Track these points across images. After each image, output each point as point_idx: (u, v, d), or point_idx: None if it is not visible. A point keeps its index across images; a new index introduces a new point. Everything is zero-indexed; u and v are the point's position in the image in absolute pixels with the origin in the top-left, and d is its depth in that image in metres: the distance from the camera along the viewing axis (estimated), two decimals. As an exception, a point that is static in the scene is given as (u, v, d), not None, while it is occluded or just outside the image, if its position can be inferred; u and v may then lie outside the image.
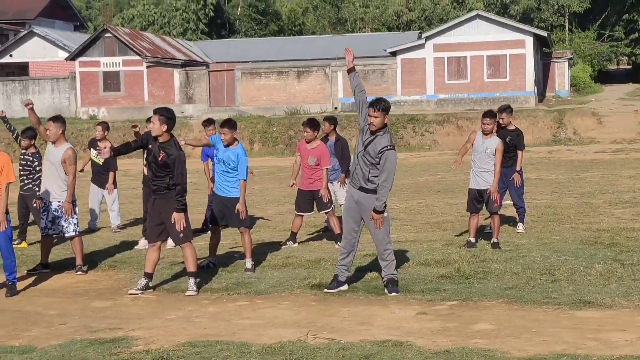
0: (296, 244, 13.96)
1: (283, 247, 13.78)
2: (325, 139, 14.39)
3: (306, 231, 15.38)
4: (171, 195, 10.29)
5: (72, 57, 52.59)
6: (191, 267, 10.54)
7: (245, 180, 11.68)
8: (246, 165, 11.70)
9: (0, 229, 10.61)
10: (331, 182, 14.18)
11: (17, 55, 59.73)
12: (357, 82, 10.22)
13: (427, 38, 50.46)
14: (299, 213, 13.79)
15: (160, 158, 10.25)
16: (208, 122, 14.81)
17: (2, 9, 68.39)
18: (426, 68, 50.00)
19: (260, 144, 44.82)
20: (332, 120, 14.67)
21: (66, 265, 12.61)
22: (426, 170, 30.44)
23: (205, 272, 11.57)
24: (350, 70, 10.33)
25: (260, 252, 13.06)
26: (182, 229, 10.35)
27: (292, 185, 13.96)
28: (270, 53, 57.81)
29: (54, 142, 11.94)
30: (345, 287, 10.33)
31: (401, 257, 11.94)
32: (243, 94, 51.16)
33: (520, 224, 14.76)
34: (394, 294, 9.99)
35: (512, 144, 14.20)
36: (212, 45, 63.29)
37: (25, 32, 60.36)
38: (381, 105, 9.91)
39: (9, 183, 10.67)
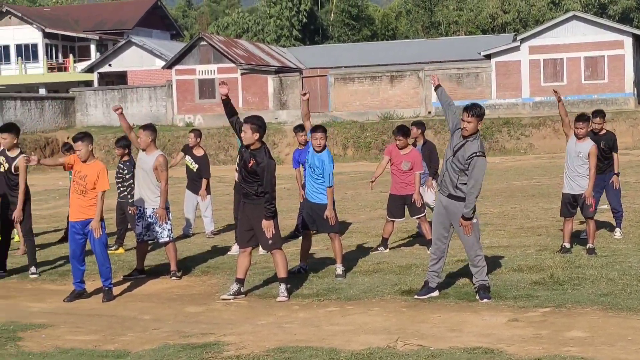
0: (387, 250, 13.93)
1: (374, 252, 13.76)
2: (413, 143, 14.40)
3: (398, 237, 15.33)
4: (260, 202, 10.38)
5: (169, 66, 53.60)
6: (282, 273, 10.62)
7: (331, 187, 11.68)
8: (331, 172, 11.66)
9: (95, 236, 10.89)
10: (421, 186, 14.15)
11: (116, 65, 61.19)
12: (444, 95, 10.34)
13: (523, 40, 49.81)
14: (391, 218, 13.78)
15: (250, 165, 10.35)
16: (300, 128, 14.99)
17: (102, 20, 70.11)
18: (521, 70, 49.35)
19: (354, 149, 44.90)
20: (419, 125, 14.89)
21: (161, 270, 12.85)
22: (521, 175, 30.02)
23: (296, 277, 11.65)
24: (437, 88, 10.48)
25: (351, 257, 13.08)
26: (271, 235, 10.43)
27: (372, 182, 13.80)
28: (363, 58, 57.88)
29: (144, 150, 12.18)
30: (435, 293, 10.27)
31: (493, 263, 11.81)
32: (336, 99, 51.33)
33: (617, 229, 14.43)
34: (485, 300, 9.89)
35: (607, 147, 13.90)
36: (306, 51, 63.70)
37: (124, 41, 61.78)
38: (476, 111, 9.84)
39: (104, 191, 10.92)
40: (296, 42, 77.88)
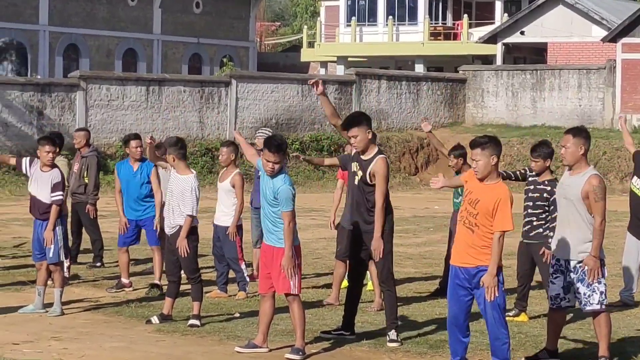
0: None
1: None
2: None
3: None
4: None
5: (612, 37, 53.02)
6: None
7: None
8: None
9: (487, 297, 10.99)
10: None
11: (532, 33, 61.11)
12: None
13: None
14: None
15: None
16: None
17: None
18: None
19: None
20: None
21: (577, 355, 12.92)
22: None
23: None
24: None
25: None
26: None
27: None
28: None
29: (570, 168, 12.11)
30: None
31: None
32: None
33: None
34: None
35: None
36: None
37: (547, -2, 61.78)
38: None
39: (505, 231, 11.02)
40: None
